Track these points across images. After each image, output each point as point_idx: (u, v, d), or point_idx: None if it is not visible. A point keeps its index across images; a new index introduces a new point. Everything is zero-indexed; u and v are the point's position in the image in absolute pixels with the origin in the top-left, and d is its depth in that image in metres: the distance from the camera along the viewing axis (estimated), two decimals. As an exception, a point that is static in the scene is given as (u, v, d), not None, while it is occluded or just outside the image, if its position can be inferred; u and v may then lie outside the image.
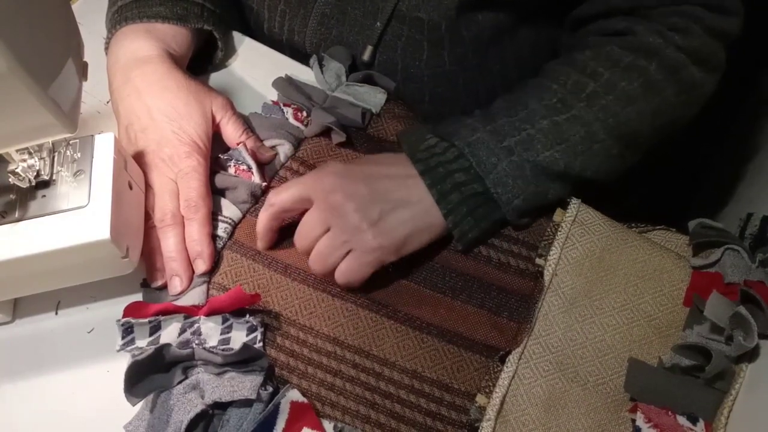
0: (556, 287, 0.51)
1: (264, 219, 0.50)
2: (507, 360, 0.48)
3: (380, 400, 0.47)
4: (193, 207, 0.51)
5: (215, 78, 0.63)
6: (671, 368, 0.46)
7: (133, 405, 0.45)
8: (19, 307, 0.52)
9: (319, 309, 0.50)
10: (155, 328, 0.48)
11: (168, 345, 0.46)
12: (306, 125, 0.58)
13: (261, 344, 0.48)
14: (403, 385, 0.48)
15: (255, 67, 0.63)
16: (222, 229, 0.53)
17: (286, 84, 0.60)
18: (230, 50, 0.64)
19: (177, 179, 0.51)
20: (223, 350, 0.46)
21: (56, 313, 0.51)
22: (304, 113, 0.59)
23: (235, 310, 0.48)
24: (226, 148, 0.56)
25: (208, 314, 0.48)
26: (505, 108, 0.52)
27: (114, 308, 0.50)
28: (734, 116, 0.85)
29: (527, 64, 0.63)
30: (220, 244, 0.52)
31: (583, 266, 0.51)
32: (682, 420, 0.44)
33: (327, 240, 0.48)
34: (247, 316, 0.48)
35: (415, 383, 0.48)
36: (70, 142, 0.47)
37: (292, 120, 0.58)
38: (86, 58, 0.44)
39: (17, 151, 0.43)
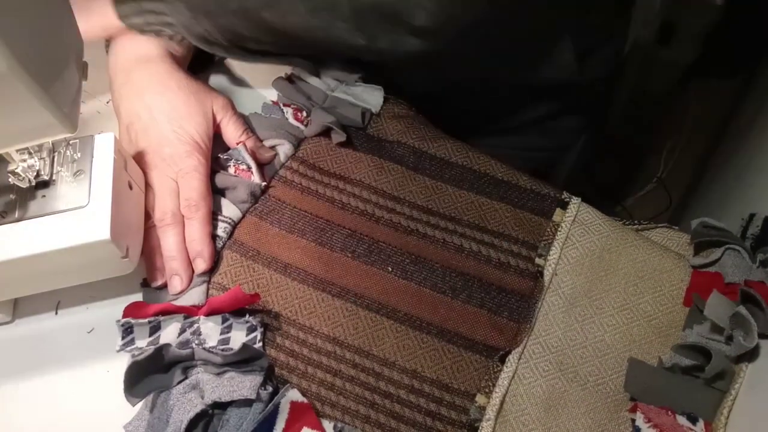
0: (556, 287, 0.51)
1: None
2: (507, 360, 0.48)
3: (380, 399, 0.47)
4: (193, 206, 0.51)
5: (215, 78, 0.63)
6: (671, 368, 0.46)
7: (133, 405, 0.45)
8: (19, 307, 0.52)
9: (318, 309, 0.50)
10: (155, 328, 0.48)
11: (168, 345, 0.46)
12: (306, 125, 0.58)
13: (261, 344, 0.48)
14: (402, 384, 0.48)
15: (255, 67, 0.63)
16: (222, 229, 0.53)
17: (286, 84, 0.60)
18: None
19: (177, 179, 0.52)
20: (222, 350, 0.46)
21: (56, 313, 0.51)
22: (304, 113, 0.59)
23: (234, 310, 0.48)
24: (226, 148, 0.56)
25: (208, 314, 0.48)
26: None
27: (114, 308, 0.50)
28: (735, 115, 0.85)
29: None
30: (219, 243, 0.52)
31: (583, 266, 0.51)
32: (681, 420, 0.44)
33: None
34: (247, 316, 0.48)
35: (415, 383, 0.48)
36: (70, 142, 0.47)
37: (292, 120, 0.58)
38: (86, 58, 0.44)
39: (17, 151, 0.43)
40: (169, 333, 0.48)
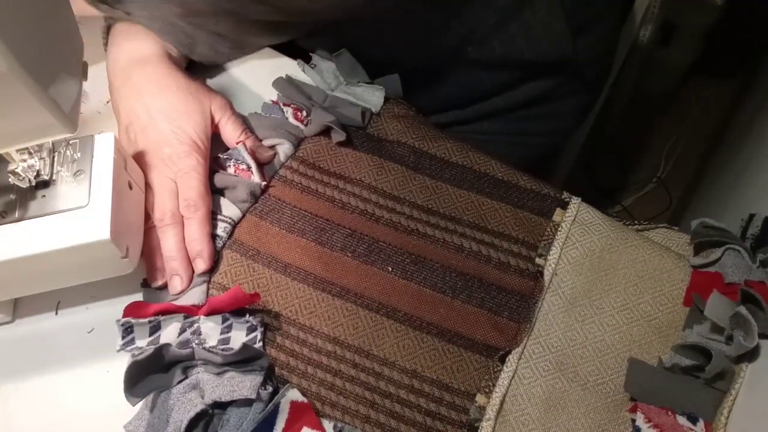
0: (556, 287, 0.51)
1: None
2: (507, 360, 0.48)
3: (380, 399, 0.47)
4: (192, 206, 0.51)
5: (215, 78, 0.63)
6: (671, 368, 0.46)
7: (133, 405, 0.45)
8: (19, 307, 0.52)
9: (319, 309, 0.50)
10: (155, 328, 0.48)
11: (168, 345, 0.46)
12: (306, 125, 0.58)
13: (261, 344, 0.48)
14: (402, 384, 0.48)
15: (255, 67, 0.63)
16: (222, 229, 0.53)
17: (286, 84, 0.60)
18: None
19: (176, 179, 0.52)
20: (222, 350, 0.46)
21: (56, 313, 0.51)
22: (304, 113, 0.59)
23: (234, 310, 0.48)
24: (226, 148, 0.56)
25: (208, 314, 0.48)
26: None
27: (114, 308, 0.50)
28: (736, 115, 0.85)
29: None
30: (219, 243, 0.52)
31: (583, 266, 0.51)
32: (682, 420, 0.44)
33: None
34: (247, 315, 0.48)
35: (415, 383, 0.48)
36: (70, 142, 0.47)
37: (291, 119, 0.58)
38: (86, 58, 0.44)
39: (17, 151, 0.43)
40: (169, 333, 0.48)
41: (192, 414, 0.43)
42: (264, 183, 0.55)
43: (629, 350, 0.48)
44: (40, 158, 0.45)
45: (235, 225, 0.54)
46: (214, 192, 0.54)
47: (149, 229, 0.51)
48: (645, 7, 0.92)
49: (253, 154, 0.55)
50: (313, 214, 0.54)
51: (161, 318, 0.48)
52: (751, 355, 0.46)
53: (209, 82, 0.63)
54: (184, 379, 0.46)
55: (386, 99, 0.60)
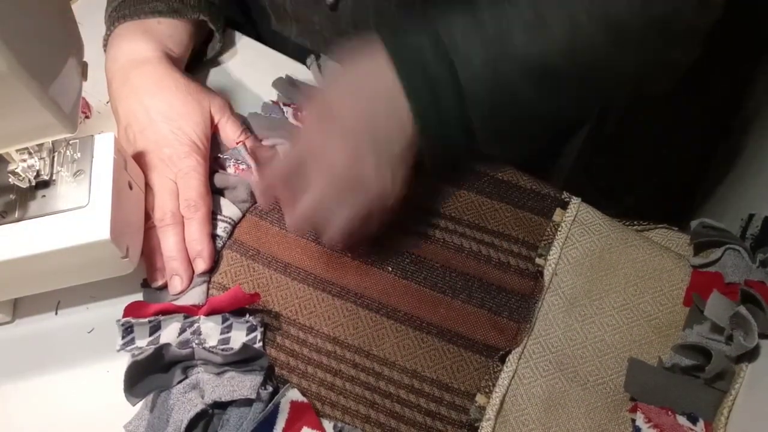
0: (556, 287, 0.51)
1: (261, 194, 0.49)
2: (507, 360, 0.48)
3: (380, 399, 0.47)
4: (192, 206, 0.51)
5: (215, 78, 0.63)
6: (671, 368, 0.46)
7: (133, 405, 0.45)
8: (19, 307, 0.52)
9: (319, 308, 0.50)
10: (155, 328, 0.48)
11: (168, 345, 0.46)
12: (306, 125, 0.58)
13: (261, 344, 0.48)
14: (402, 384, 0.48)
15: (255, 67, 0.63)
16: (222, 229, 0.53)
17: (286, 84, 0.60)
18: (229, 49, 0.64)
19: (176, 179, 0.52)
20: (222, 350, 0.46)
21: (56, 313, 0.51)
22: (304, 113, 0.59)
23: (235, 310, 0.48)
24: (226, 148, 0.56)
25: (208, 314, 0.48)
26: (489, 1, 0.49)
27: (114, 308, 0.50)
28: (736, 115, 0.85)
29: None
30: (219, 243, 0.52)
31: (583, 266, 0.51)
32: (682, 420, 0.44)
33: (317, 196, 0.45)
34: (247, 315, 0.48)
35: (415, 383, 0.48)
36: (70, 142, 0.47)
37: (292, 119, 0.58)
38: (86, 58, 0.44)
39: (17, 151, 0.43)
40: (169, 333, 0.48)
41: (192, 414, 0.43)
42: (264, 183, 0.55)
43: (629, 350, 0.48)
44: (40, 158, 0.45)
45: (235, 225, 0.54)
46: (214, 192, 0.54)
47: (149, 229, 0.51)
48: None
49: (253, 154, 0.55)
50: (313, 214, 0.54)
51: (161, 318, 0.48)
52: (751, 355, 0.46)
53: (209, 82, 0.63)
54: (184, 379, 0.46)
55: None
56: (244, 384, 0.44)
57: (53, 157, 0.46)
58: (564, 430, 0.46)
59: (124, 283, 0.50)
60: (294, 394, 0.46)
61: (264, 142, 0.57)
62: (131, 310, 0.48)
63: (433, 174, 0.49)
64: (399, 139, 0.47)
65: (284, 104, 0.59)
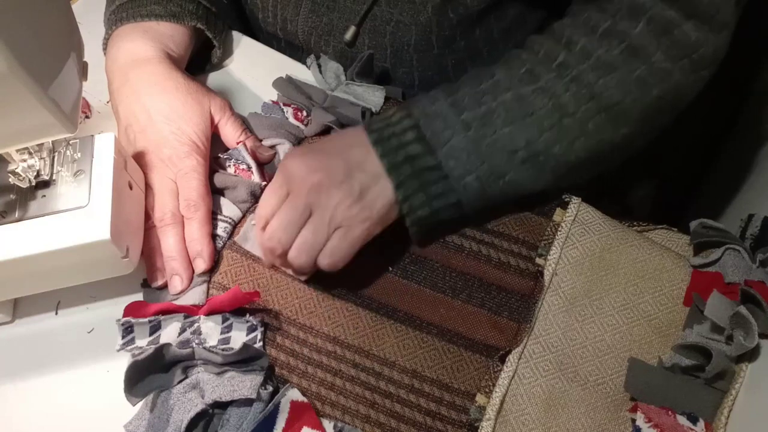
0: (556, 287, 0.51)
1: (264, 253, 0.49)
2: (507, 360, 0.48)
3: (380, 399, 0.47)
4: (192, 206, 0.51)
5: (215, 78, 0.63)
6: (671, 368, 0.46)
7: (133, 405, 0.45)
8: (19, 307, 0.52)
9: (319, 308, 0.50)
10: (155, 328, 0.48)
11: (168, 344, 0.46)
12: (306, 125, 0.58)
13: (261, 344, 0.48)
14: (403, 384, 0.48)
15: (255, 67, 0.63)
16: (222, 229, 0.53)
17: (286, 84, 0.60)
18: (229, 49, 0.64)
19: (176, 179, 0.52)
20: (223, 350, 0.46)
21: (56, 313, 0.51)
22: (304, 113, 0.59)
23: (235, 310, 0.48)
24: (226, 148, 0.56)
25: (208, 314, 0.48)
26: (471, 78, 0.50)
27: (114, 308, 0.50)
28: (736, 115, 0.85)
29: (517, 44, 0.62)
30: (220, 243, 0.52)
31: (583, 266, 0.51)
32: (682, 420, 0.44)
33: (311, 224, 0.46)
34: (247, 315, 0.48)
35: (415, 383, 0.48)
36: (70, 142, 0.47)
37: (291, 119, 0.58)
38: (86, 58, 0.44)
39: (17, 151, 0.43)
40: (170, 332, 0.48)
41: (192, 414, 0.43)
42: (264, 183, 0.55)
43: (629, 350, 0.48)
44: (40, 158, 0.45)
45: (235, 225, 0.54)
46: (214, 192, 0.54)
47: (149, 229, 0.51)
48: None
49: (253, 154, 0.55)
50: (313, 214, 0.54)
51: (161, 318, 0.48)
52: (751, 355, 0.46)
53: (209, 82, 0.63)
54: (184, 379, 0.46)
55: (386, 99, 0.60)
56: (244, 384, 0.44)
57: (53, 157, 0.46)
58: (564, 429, 0.46)
59: (124, 283, 0.50)
60: (294, 394, 0.46)
61: (264, 142, 0.57)
62: (131, 309, 0.48)
63: (417, 243, 0.51)
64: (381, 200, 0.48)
65: (284, 104, 0.59)
